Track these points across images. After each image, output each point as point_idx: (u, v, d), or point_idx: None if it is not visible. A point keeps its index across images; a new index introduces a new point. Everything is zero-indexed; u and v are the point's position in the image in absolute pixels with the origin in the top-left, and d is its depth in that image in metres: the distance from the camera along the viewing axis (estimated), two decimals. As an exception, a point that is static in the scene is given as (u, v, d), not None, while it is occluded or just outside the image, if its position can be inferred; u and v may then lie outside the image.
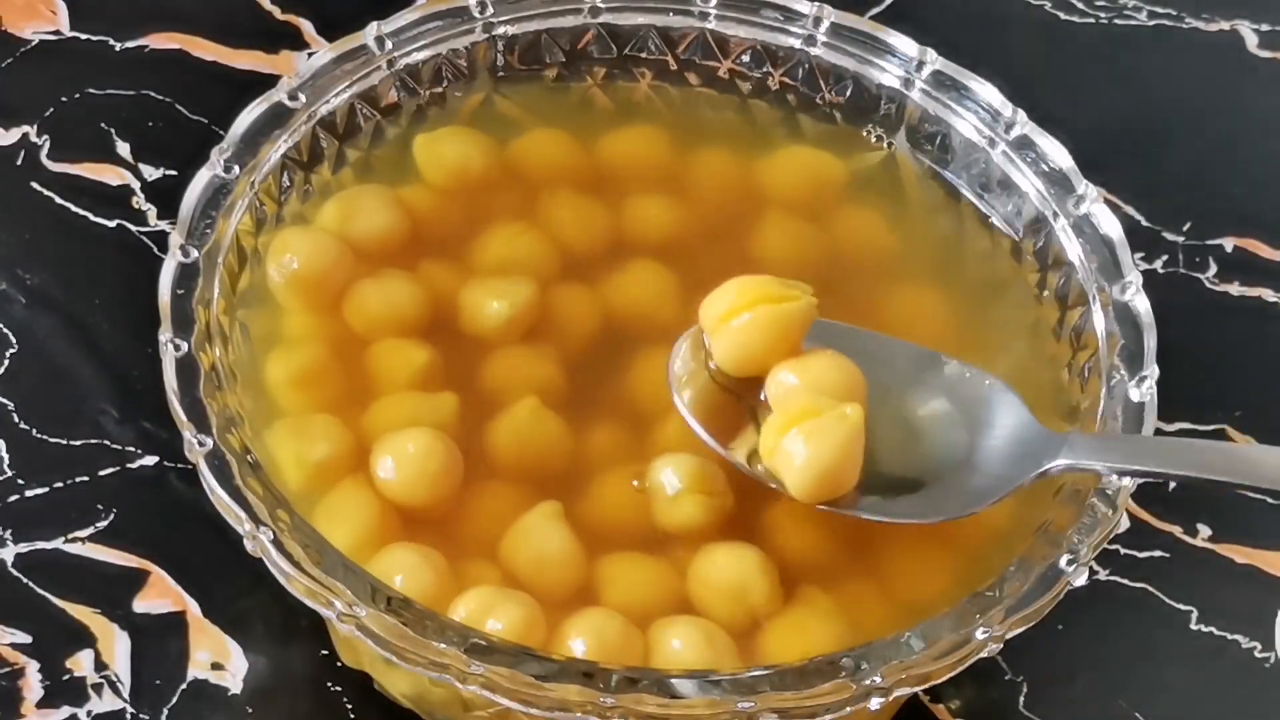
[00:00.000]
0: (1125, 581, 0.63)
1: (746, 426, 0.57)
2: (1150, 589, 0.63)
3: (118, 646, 0.59)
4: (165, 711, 0.58)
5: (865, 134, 0.65)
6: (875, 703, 0.49)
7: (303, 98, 0.61)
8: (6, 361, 0.66)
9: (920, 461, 0.56)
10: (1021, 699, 0.60)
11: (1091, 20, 0.82)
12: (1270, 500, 0.66)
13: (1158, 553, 0.64)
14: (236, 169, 0.59)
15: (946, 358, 0.58)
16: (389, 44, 0.63)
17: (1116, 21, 0.82)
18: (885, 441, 0.55)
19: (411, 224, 0.62)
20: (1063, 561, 0.52)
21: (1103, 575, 0.63)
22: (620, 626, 0.53)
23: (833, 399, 0.54)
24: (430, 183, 0.63)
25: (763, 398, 0.56)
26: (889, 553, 0.56)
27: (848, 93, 0.65)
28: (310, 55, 0.67)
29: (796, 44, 0.65)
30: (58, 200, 0.71)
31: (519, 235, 0.62)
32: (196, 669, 0.59)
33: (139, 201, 0.71)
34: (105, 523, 0.62)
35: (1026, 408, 0.56)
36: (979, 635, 0.51)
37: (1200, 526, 0.65)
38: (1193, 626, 0.63)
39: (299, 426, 0.56)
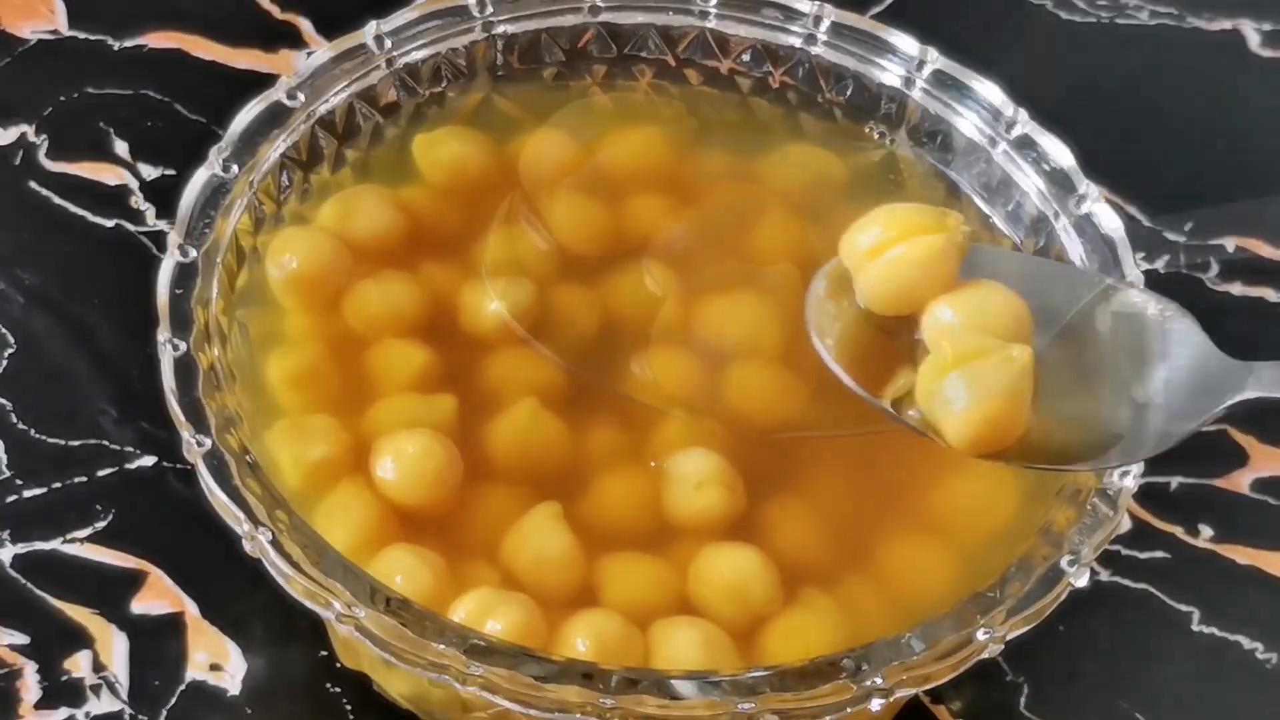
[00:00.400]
0: (1127, 582, 0.63)
1: (897, 370, 0.53)
2: (1152, 590, 0.63)
3: (116, 647, 0.59)
4: (163, 713, 0.58)
5: (866, 133, 0.65)
6: (876, 704, 0.49)
7: (301, 97, 0.61)
8: (4, 361, 0.66)
9: (1091, 401, 0.52)
10: (1023, 700, 0.60)
11: (1093, 19, 0.82)
12: (1272, 500, 0.66)
13: (1159, 554, 0.64)
14: (235, 168, 0.58)
15: (1115, 281, 0.54)
16: (388, 43, 0.63)
17: (1118, 21, 0.82)
18: (1051, 380, 0.51)
19: (410, 224, 0.61)
20: (1064, 562, 0.52)
21: (1104, 576, 0.63)
22: (620, 627, 0.52)
23: (997, 337, 0.50)
24: (430, 182, 0.63)
25: (917, 338, 0.53)
26: (889, 553, 0.56)
27: (848, 92, 0.65)
28: (309, 54, 0.67)
29: (797, 43, 0.65)
30: (56, 200, 0.71)
31: (518, 235, 0.62)
32: (195, 670, 0.59)
33: (137, 201, 0.71)
34: (103, 523, 0.62)
35: (1205, 334, 0.52)
36: (980, 636, 0.51)
37: (1202, 527, 0.65)
38: (1194, 627, 0.62)
39: (297, 427, 0.56)
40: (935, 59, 0.64)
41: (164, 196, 0.70)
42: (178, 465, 0.63)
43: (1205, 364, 0.51)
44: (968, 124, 0.63)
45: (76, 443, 0.64)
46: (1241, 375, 0.51)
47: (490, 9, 0.64)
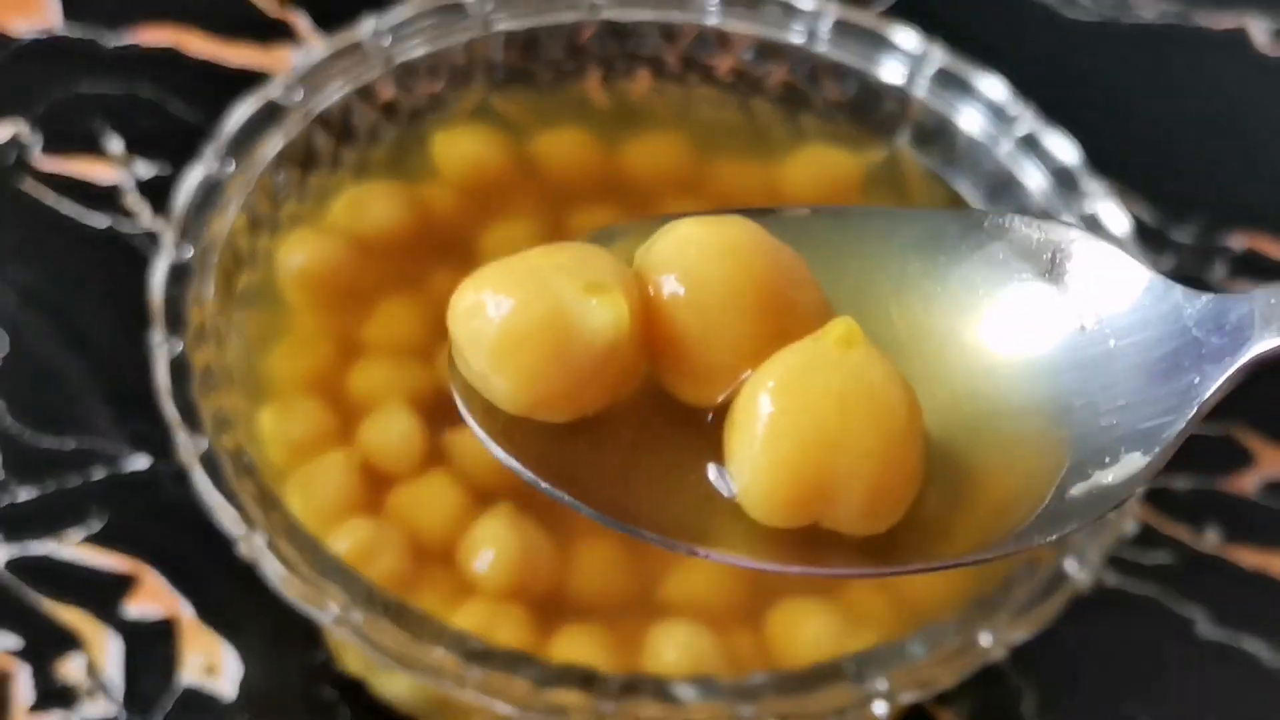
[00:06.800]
0: (1132, 585, 0.63)
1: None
2: (1158, 593, 0.63)
3: (109, 651, 0.59)
4: (158, 716, 0.57)
5: (869, 131, 0.64)
6: (880, 709, 0.49)
7: (298, 95, 0.60)
8: (-3, 362, 0.65)
9: (989, 435, 0.33)
10: (1027, 704, 0.60)
11: (1098, 17, 0.82)
12: (1279, 504, 0.66)
13: (1165, 556, 0.64)
14: (230, 167, 0.58)
15: (988, 214, 0.35)
16: (386, 40, 0.62)
17: (1123, 19, 0.82)
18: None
19: (425, 221, 0.61)
20: (1069, 566, 0.52)
21: (1109, 579, 0.63)
22: (607, 639, 0.52)
23: (748, 310, 0.32)
24: (448, 179, 0.63)
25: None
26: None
27: (852, 89, 0.64)
28: (306, 51, 0.67)
29: (799, 40, 0.64)
30: (49, 198, 0.70)
31: (527, 234, 0.61)
32: (189, 673, 0.58)
33: (132, 200, 0.71)
34: (97, 525, 0.61)
35: (1151, 270, 0.34)
36: (984, 640, 0.50)
37: (1209, 530, 0.65)
38: (1200, 630, 0.62)
39: (287, 409, 0.56)
40: (939, 56, 0.63)
41: (159, 195, 0.69)
42: (172, 467, 0.62)
43: (1166, 319, 0.32)
44: (971, 121, 0.63)
45: (70, 444, 0.63)
46: (1241, 316, 0.32)
47: (489, 5, 0.64)
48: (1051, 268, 0.33)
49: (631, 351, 0.31)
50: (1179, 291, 0.33)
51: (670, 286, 0.31)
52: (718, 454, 0.32)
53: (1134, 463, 0.32)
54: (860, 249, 0.34)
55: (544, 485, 0.32)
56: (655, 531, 0.32)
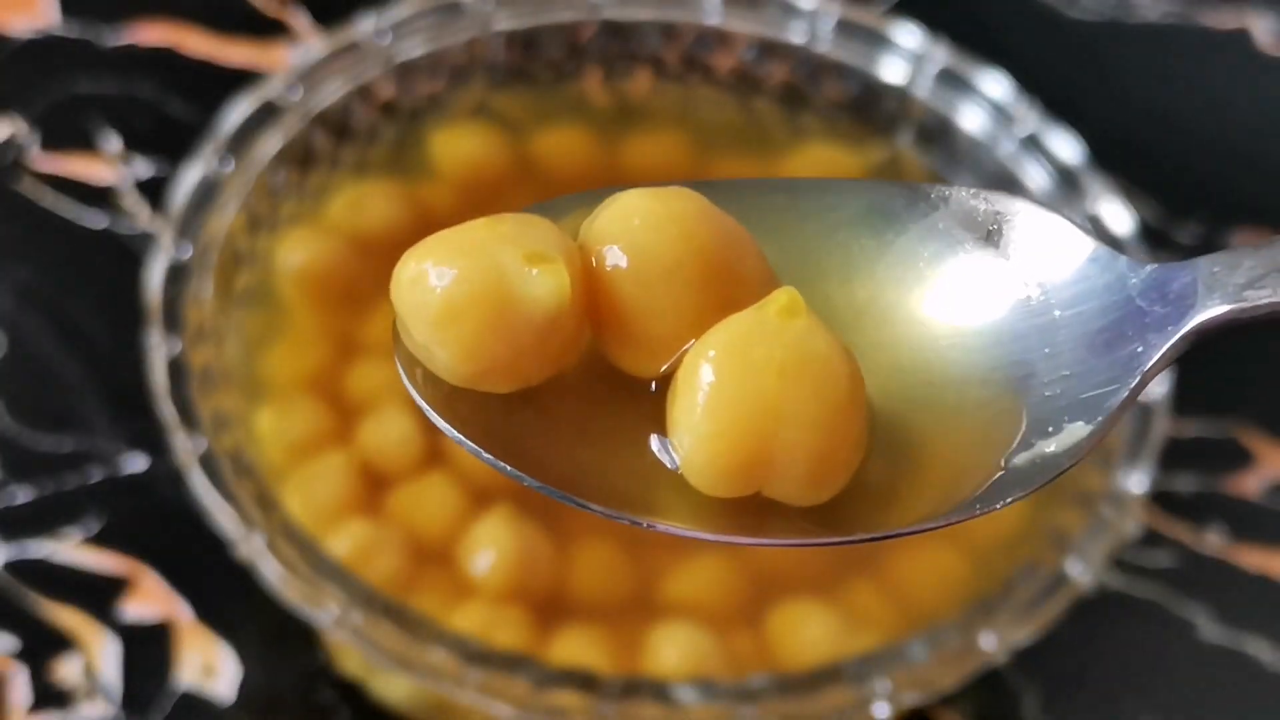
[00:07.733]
0: (1135, 587, 0.63)
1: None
2: (1160, 595, 0.63)
3: (107, 652, 0.58)
4: (156, 719, 0.57)
5: (870, 130, 0.64)
6: (881, 710, 0.49)
7: (296, 93, 0.60)
8: (-5, 362, 0.65)
9: (933, 405, 0.33)
10: (1030, 706, 0.60)
11: (1101, 17, 0.82)
12: (1282, 505, 0.66)
13: (1168, 558, 0.64)
14: (228, 166, 0.58)
15: (934, 186, 0.35)
16: (385, 38, 0.62)
17: (1125, 18, 0.82)
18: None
19: (425, 220, 0.61)
20: (1072, 568, 0.51)
21: (1112, 581, 0.63)
22: (607, 637, 0.52)
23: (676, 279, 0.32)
24: (448, 178, 0.62)
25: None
26: (895, 557, 0.55)
27: (853, 89, 0.64)
28: (304, 50, 0.67)
29: (800, 39, 0.64)
30: (47, 198, 0.70)
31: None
32: (187, 675, 0.58)
33: (130, 199, 0.70)
34: (95, 526, 0.61)
35: (1093, 238, 0.34)
36: (985, 643, 0.50)
37: (1211, 532, 0.64)
38: (1203, 632, 0.62)
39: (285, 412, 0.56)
40: (941, 55, 0.63)
41: (157, 194, 0.69)
42: (170, 467, 0.62)
43: (1110, 289, 0.33)
44: (974, 121, 0.62)
45: (68, 444, 0.63)
46: (1184, 284, 0.33)
47: (489, 4, 0.63)
48: (996, 238, 0.34)
49: (574, 322, 0.32)
50: (1123, 261, 0.34)
51: (613, 256, 0.32)
52: (661, 425, 0.33)
53: (1077, 432, 0.33)
54: (805, 220, 0.35)
55: (486, 456, 0.32)
56: (599, 503, 0.32)
